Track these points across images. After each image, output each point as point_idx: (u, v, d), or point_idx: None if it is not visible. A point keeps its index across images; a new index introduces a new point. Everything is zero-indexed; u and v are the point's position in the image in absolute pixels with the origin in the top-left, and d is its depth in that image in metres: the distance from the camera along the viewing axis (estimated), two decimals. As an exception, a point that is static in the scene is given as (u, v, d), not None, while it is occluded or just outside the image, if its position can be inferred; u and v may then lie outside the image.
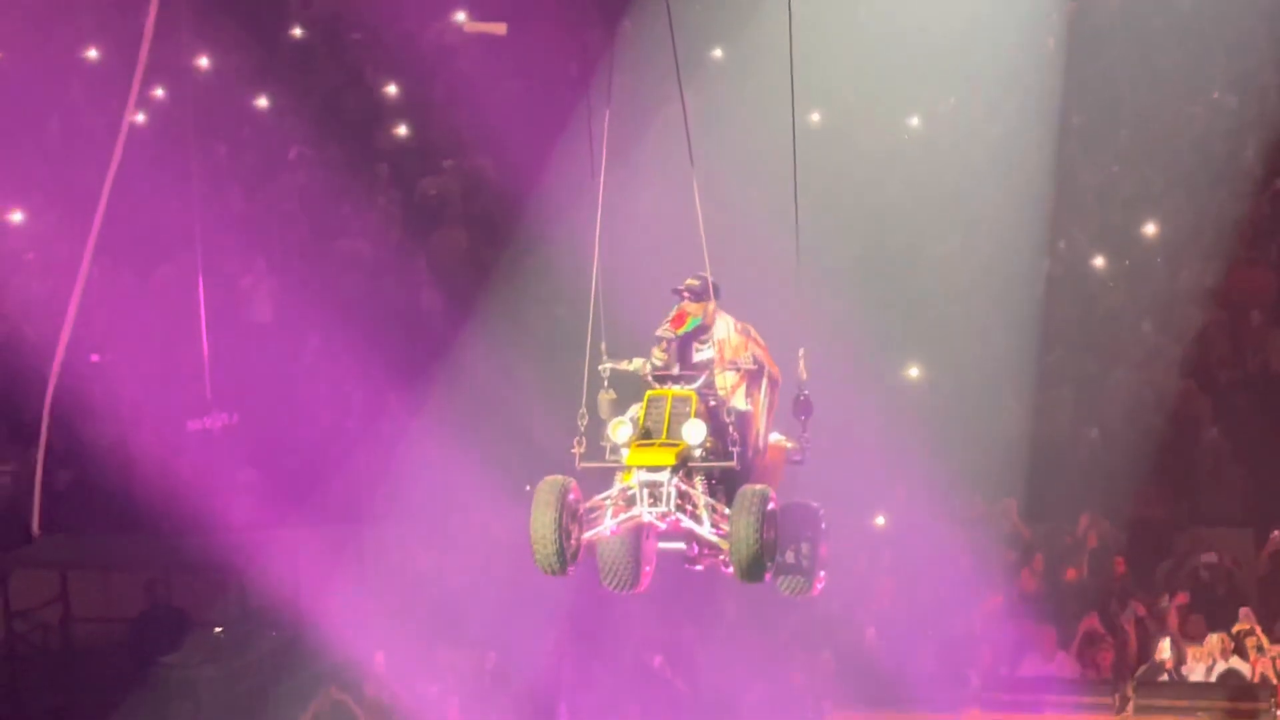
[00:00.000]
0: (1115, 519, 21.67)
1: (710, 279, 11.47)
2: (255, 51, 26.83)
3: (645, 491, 10.94)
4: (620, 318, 11.75)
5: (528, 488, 19.21)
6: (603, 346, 11.31)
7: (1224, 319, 23.66)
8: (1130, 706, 19.16)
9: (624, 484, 11.04)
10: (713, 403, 11.27)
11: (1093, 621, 20.04)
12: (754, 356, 11.43)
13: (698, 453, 11.04)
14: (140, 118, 24.26)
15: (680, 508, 10.95)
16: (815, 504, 11.79)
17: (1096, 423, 22.85)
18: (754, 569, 10.86)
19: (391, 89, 27.00)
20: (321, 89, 27.18)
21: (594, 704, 19.29)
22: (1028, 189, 23.60)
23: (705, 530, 10.97)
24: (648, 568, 11.39)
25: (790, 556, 11.58)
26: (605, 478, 11.18)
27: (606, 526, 11.05)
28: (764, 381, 11.52)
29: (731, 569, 11.00)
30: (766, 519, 10.79)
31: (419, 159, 26.54)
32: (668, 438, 11.04)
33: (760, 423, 11.46)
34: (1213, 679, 19.28)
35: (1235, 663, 19.31)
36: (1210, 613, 20.09)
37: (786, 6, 11.93)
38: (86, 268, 16.44)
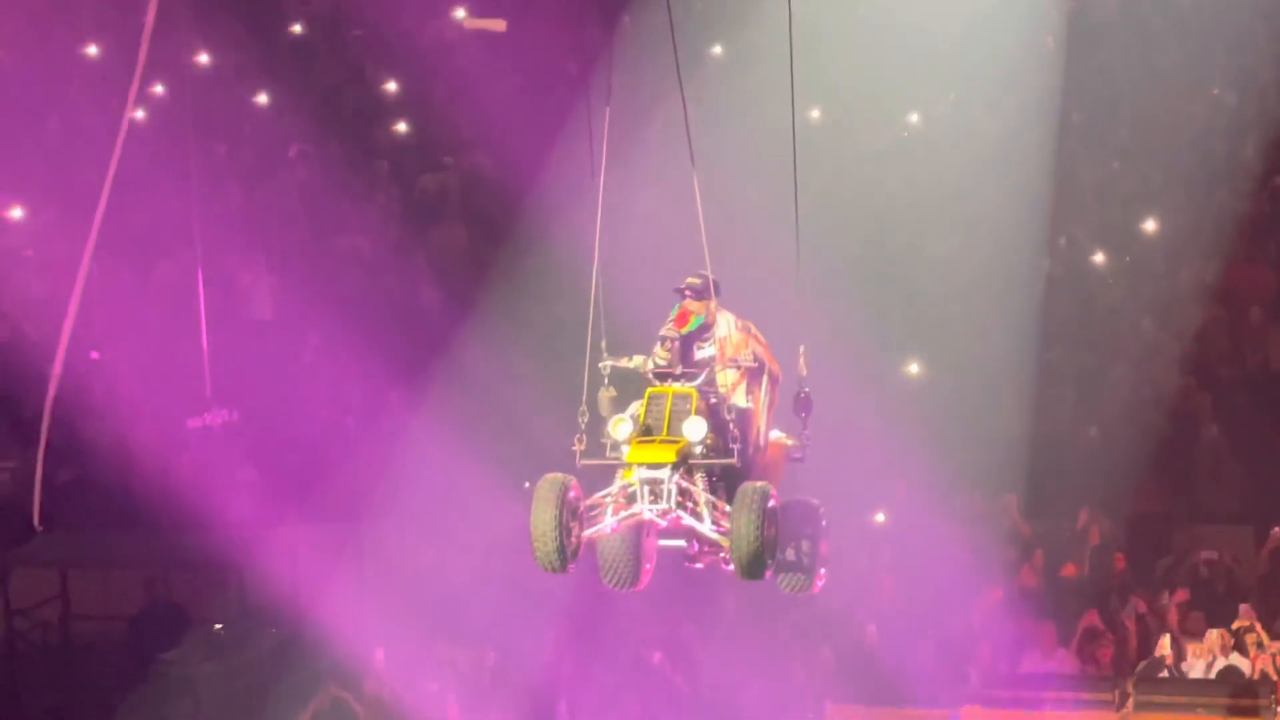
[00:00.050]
0: (1115, 516, 21.69)
1: (711, 277, 11.47)
2: (255, 49, 26.82)
3: (646, 489, 10.93)
4: (620, 315, 11.75)
5: (526, 485, 19.34)
6: (603, 344, 11.31)
7: (1223, 316, 23.67)
8: (1130, 703, 19.15)
9: (625, 481, 11.03)
10: (713, 400, 11.26)
11: (1093, 618, 20.06)
12: (754, 354, 11.43)
13: (698, 450, 11.03)
14: (140, 115, 24.27)
15: (681, 505, 10.94)
16: (816, 501, 11.79)
17: (1096, 420, 22.87)
18: (754, 566, 10.85)
19: (391, 86, 27.00)
20: (321, 86, 27.19)
21: (593, 701, 19.29)
22: (1027, 186, 23.61)
23: (706, 527, 10.96)
24: (648, 565, 11.38)
25: (791, 554, 11.58)
26: (606, 475, 11.18)
27: (607, 524, 11.04)
28: (764, 379, 11.51)
29: (732, 566, 10.99)
30: (767, 516, 10.79)
31: (419, 156, 26.55)
32: (668, 435, 11.03)
33: (761, 420, 11.45)
34: (1212, 675, 19.29)
35: (1235, 659, 19.32)
36: (1210, 609, 20.09)
37: (786, 4, 11.92)
38: (87, 265, 16.39)
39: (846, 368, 19.18)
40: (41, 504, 18.22)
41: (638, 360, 11.44)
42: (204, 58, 25.98)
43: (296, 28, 27.56)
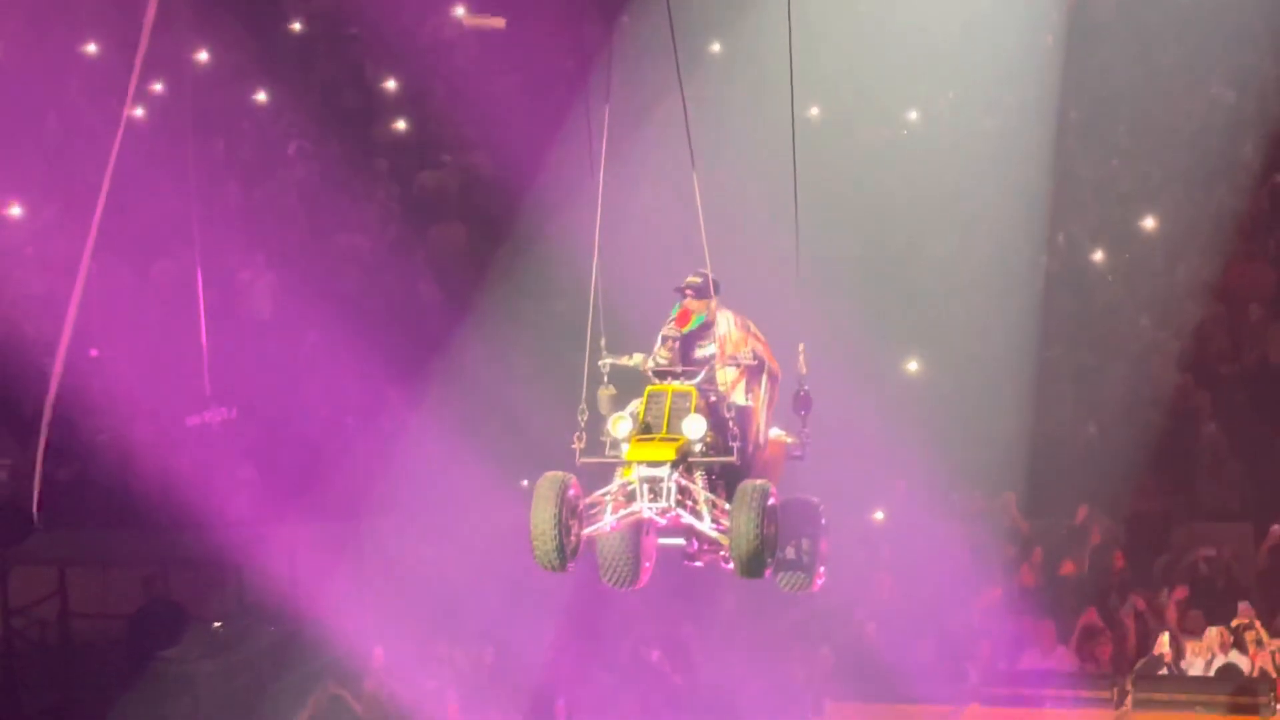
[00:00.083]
0: (1114, 514, 21.68)
1: (711, 275, 11.45)
2: (254, 46, 26.82)
3: (645, 487, 10.92)
4: (619, 313, 11.74)
5: (524, 483, 19.33)
6: (602, 342, 11.29)
7: (1222, 313, 23.66)
8: (1129, 701, 19.17)
9: (624, 479, 11.02)
10: (713, 398, 11.25)
11: (1092, 616, 20.06)
12: (754, 352, 11.41)
13: (698, 448, 11.01)
14: (139, 113, 24.27)
15: (680, 503, 10.93)
16: (815, 499, 11.77)
17: (1095, 418, 22.86)
18: (754, 564, 10.84)
19: (390, 84, 27.00)
20: (320, 84, 27.18)
21: (592, 699, 19.29)
22: (1026, 184, 23.60)
23: (705, 525, 10.95)
24: (647, 564, 11.37)
25: (790, 552, 11.56)
26: (605, 473, 11.16)
27: (606, 522, 11.02)
28: (764, 377, 11.50)
29: (731, 565, 10.98)
30: (767, 514, 10.77)
31: (418, 154, 26.54)
32: (668, 433, 11.02)
33: (760, 418, 11.44)
34: (1211, 673, 19.29)
35: (1234, 656, 19.32)
36: (1209, 607, 20.10)
37: (785, 2, 11.91)
38: (87, 263, 16.41)
39: (846, 366, 19.17)
40: (40, 501, 18.24)
41: (637, 358, 11.42)
42: (203, 56, 25.97)
43: (296, 26, 27.55)
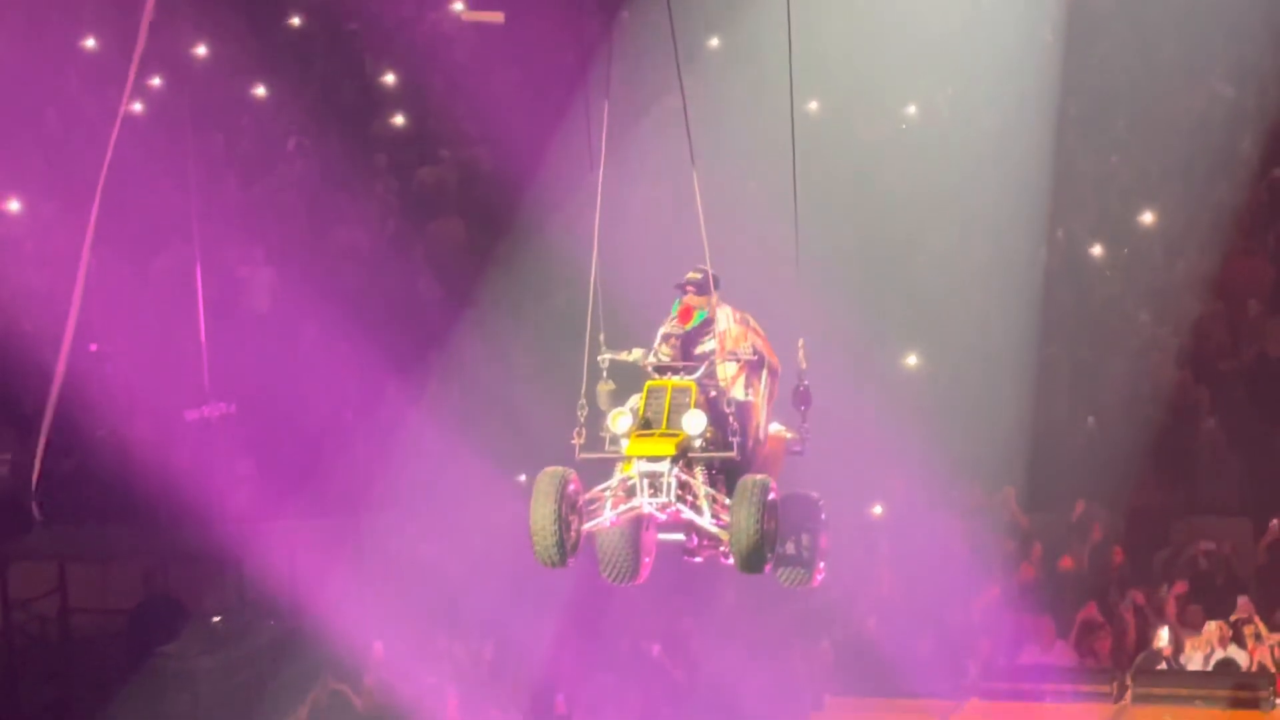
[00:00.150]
0: (1113, 508, 21.68)
1: (710, 271, 11.45)
2: (252, 41, 26.81)
3: (645, 482, 10.90)
4: (619, 308, 11.72)
5: (522, 478, 19.34)
6: (601, 337, 11.28)
7: (1221, 309, 23.66)
8: (1128, 695, 19.19)
9: (624, 475, 11.01)
10: (713, 393, 11.23)
11: (1091, 610, 20.07)
12: (754, 347, 11.41)
13: (698, 443, 10.99)
14: (138, 107, 24.27)
15: (680, 498, 10.92)
16: (815, 494, 11.75)
17: (1094, 412, 22.86)
18: (754, 559, 10.83)
19: (389, 78, 26.99)
20: (319, 78, 27.17)
21: (592, 694, 19.29)
22: (1025, 179, 23.57)
23: (705, 521, 10.94)
24: (647, 559, 11.36)
25: (790, 548, 11.54)
26: (605, 469, 11.16)
27: (606, 518, 11.01)
28: (764, 372, 11.49)
29: (731, 560, 10.97)
30: (767, 509, 10.76)
31: (417, 149, 26.53)
32: (667, 428, 11.00)
33: (760, 413, 11.43)
34: (1210, 667, 19.31)
35: (1233, 651, 19.34)
36: (1208, 601, 20.11)
37: (784, -5, 11.91)
38: (86, 258, 16.39)
39: (845, 361, 19.20)
40: (39, 496, 18.24)
41: (637, 353, 11.42)
42: (202, 50, 25.97)
43: (294, 20, 27.54)
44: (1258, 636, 19.37)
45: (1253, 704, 18.76)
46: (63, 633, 21.43)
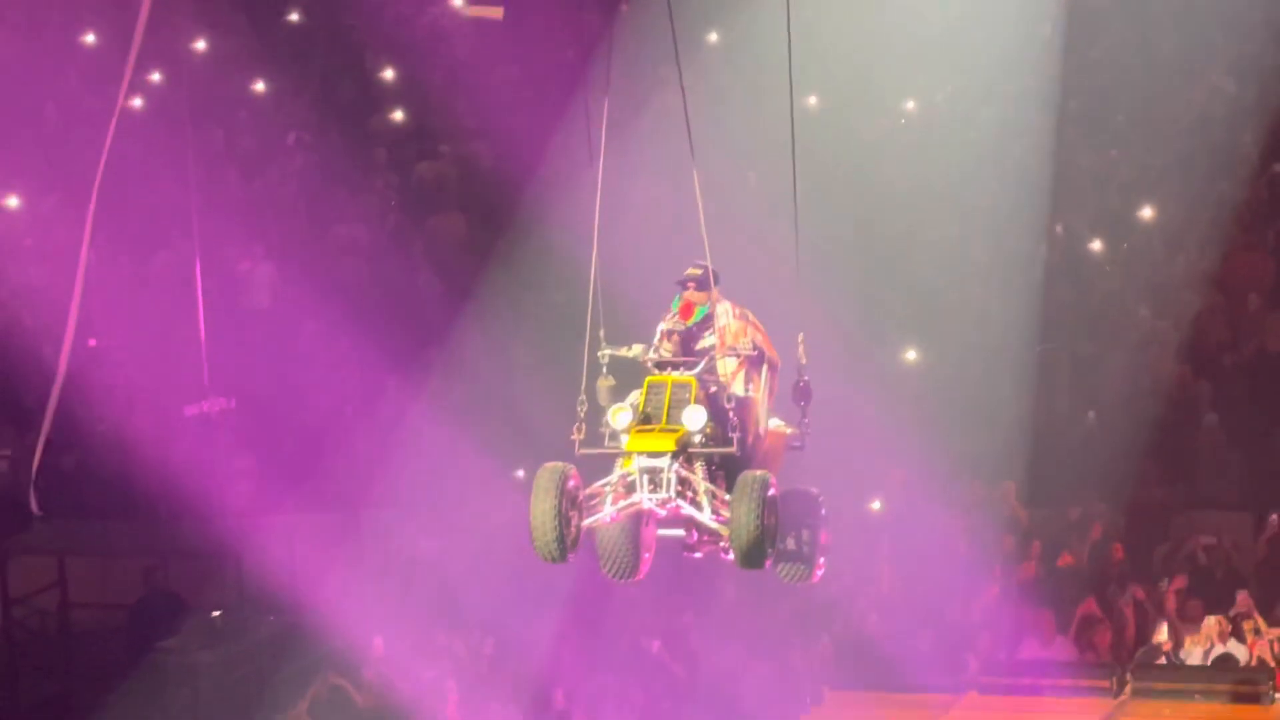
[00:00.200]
0: (1113, 503, 21.68)
1: (710, 267, 11.44)
2: (252, 36, 26.81)
3: (645, 477, 10.89)
4: (619, 303, 11.72)
5: (520, 474, 19.34)
6: (601, 332, 11.27)
7: (1221, 303, 23.66)
8: (1128, 690, 19.21)
9: (624, 470, 11.00)
10: (713, 388, 11.22)
11: (1090, 605, 20.08)
12: (754, 342, 11.40)
13: (698, 438, 10.98)
14: (137, 103, 24.27)
15: (680, 494, 10.91)
16: (815, 490, 11.74)
17: (1094, 407, 22.86)
18: (754, 555, 10.81)
19: (388, 73, 26.97)
20: (319, 74, 27.15)
21: (592, 690, 19.29)
22: (1025, 174, 23.57)
23: (705, 516, 10.92)
24: (647, 555, 11.35)
25: (790, 543, 11.54)
26: (605, 464, 11.15)
27: (606, 513, 11.00)
28: (764, 367, 11.49)
29: (732, 555, 10.96)
30: (767, 505, 10.75)
31: (416, 144, 26.52)
32: (668, 423, 10.98)
33: (760, 408, 11.43)
34: (1209, 662, 19.32)
35: (1232, 646, 19.35)
36: (1208, 596, 20.12)
37: (783, -9, 11.89)
38: (86, 253, 16.39)
39: (845, 356, 19.20)
40: (39, 491, 18.24)
41: (637, 349, 11.40)
42: (201, 45, 25.96)
43: (294, 15, 27.53)
44: (1257, 631, 19.39)
45: (1252, 699, 18.78)
46: (63, 628, 21.43)
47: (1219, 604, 19.90)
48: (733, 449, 11.03)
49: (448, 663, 19.43)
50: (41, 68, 25.21)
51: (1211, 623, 19.53)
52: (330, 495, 21.76)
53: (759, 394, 11.42)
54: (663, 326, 11.51)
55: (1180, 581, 20.32)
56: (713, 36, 25.08)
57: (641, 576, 11.38)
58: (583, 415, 11.10)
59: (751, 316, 11.58)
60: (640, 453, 10.92)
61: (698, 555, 11.44)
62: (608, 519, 11.04)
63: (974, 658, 19.79)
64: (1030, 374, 22.73)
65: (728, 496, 10.89)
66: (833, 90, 24.15)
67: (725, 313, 11.50)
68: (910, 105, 25.12)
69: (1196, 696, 18.97)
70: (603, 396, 11.18)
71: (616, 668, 19.41)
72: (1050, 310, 23.19)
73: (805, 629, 19.95)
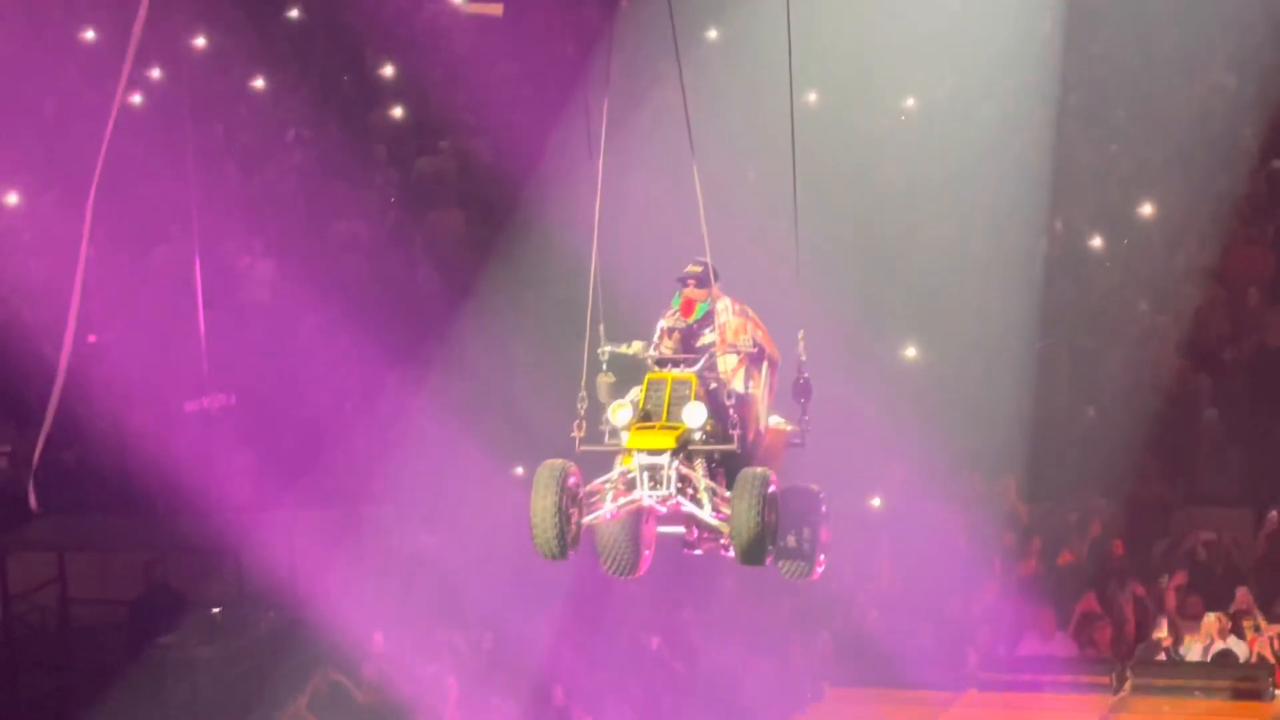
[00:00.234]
0: (1113, 498, 21.68)
1: (710, 263, 11.43)
2: (251, 32, 26.80)
3: (645, 475, 10.88)
4: (619, 300, 11.71)
5: (520, 470, 19.33)
6: (601, 329, 11.26)
7: (1221, 298, 23.66)
8: (1127, 686, 19.21)
9: (624, 467, 10.99)
10: (713, 385, 11.21)
11: (1090, 602, 20.07)
12: (754, 339, 11.38)
13: (698, 436, 10.97)
14: (137, 99, 24.26)
15: (681, 491, 10.90)
16: (816, 487, 11.72)
17: (1094, 403, 22.86)
18: (755, 552, 10.81)
19: (388, 70, 26.97)
20: (318, 70, 27.15)
21: (591, 686, 19.29)
22: (1025, 169, 23.58)
23: (706, 513, 10.91)
24: (647, 552, 11.33)
25: (791, 540, 11.53)
26: (605, 461, 11.14)
27: (606, 510, 10.99)
28: (764, 364, 11.48)
29: (732, 552, 10.96)
30: (767, 502, 10.74)
31: (415, 140, 26.52)
32: (668, 421, 10.96)
33: (760, 405, 11.42)
34: (1209, 659, 19.32)
35: (1232, 642, 19.35)
36: (1208, 593, 20.11)
37: (783, -12, 11.88)
38: (85, 249, 16.37)
39: (845, 352, 19.18)
40: (39, 487, 18.23)
41: (637, 346, 11.39)
42: (201, 41, 25.95)
43: (293, 11, 27.53)
44: (1256, 628, 19.39)
45: (1251, 695, 18.77)
46: (62, 623, 21.45)
47: (1219, 600, 19.90)
48: (733, 446, 11.01)
49: (448, 659, 19.44)
50: (41, 64, 25.20)
51: (1211, 619, 19.54)
52: (330, 491, 21.77)
53: (759, 391, 11.41)
54: (663, 323, 11.48)
55: (1180, 578, 20.32)
56: (712, 33, 25.07)
57: (642, 573, 11.37)
58: (583, 412, 11.09)
59: (752, 313, 11.56)
60: (640, 450, 10.91)
61: (698, 552, 11.43)
62: (608, 516, 11.03)
63: (974, 654, 19.79)
64: (1030, 370, 22.73)
65: (728, 493, 10.88)
66: (832, 87, 24.15)
67: (725, 309, 11.48)
68: (910, 102, 25.12)
69: (1196, 693, 18.96)
70: (603, 393, 11.17)
71: (616, 664, 19.42)
72: (1050, 306, 23.20)
73: (805, 625, 19.95)
